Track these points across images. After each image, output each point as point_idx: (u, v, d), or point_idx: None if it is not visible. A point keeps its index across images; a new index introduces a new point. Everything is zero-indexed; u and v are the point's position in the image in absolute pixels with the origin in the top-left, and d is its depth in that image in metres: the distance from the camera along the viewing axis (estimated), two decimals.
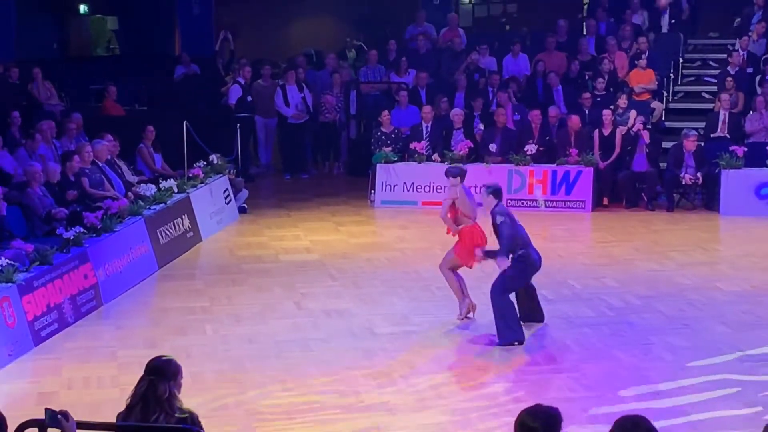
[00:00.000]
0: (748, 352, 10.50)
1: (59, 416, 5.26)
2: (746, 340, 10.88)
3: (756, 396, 9.33)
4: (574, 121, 18.01)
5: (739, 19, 21.42)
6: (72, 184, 14.21)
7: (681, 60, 21.16)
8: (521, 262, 10.93)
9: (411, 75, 20.75)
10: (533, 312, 11.42)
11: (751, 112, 18.58)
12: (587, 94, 19.20)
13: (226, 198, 16.91)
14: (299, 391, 9.61)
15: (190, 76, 21.43)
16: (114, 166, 15.60)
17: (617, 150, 17.87)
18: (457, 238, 11.47)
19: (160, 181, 15.41)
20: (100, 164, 15.14)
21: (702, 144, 17.81)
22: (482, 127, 18.86)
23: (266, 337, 11.14)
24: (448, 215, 11.48)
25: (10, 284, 10.62)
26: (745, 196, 17.04)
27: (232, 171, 17.54)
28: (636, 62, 19.86)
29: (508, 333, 10.79)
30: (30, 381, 10.05)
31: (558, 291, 12.79)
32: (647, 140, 17.63)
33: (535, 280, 13.10)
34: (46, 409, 5.32)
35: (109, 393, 9.42)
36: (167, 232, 14.54)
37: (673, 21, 21.44)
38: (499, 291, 10.85)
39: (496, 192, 11.07)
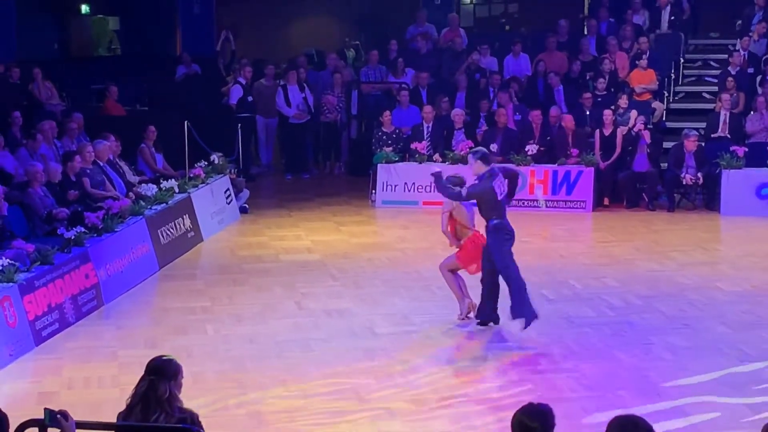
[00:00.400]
0: (748, 357, 10.52)
1: (58, 416, 5.27)
2: (746, 340, 10.89)
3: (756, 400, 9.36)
4: (568, 120, 17.98)
5: (740, 22, 21.41)
6: (73, 184, 14.22)
7: (682, 60, 21.16)
8: (498, 232, 10.87)
9: (409, 75, 20.74)
10: (494, 313, 11.29)
11: (751, 113, 18.58)
12: (588, 95, 19.21)
13: (227, 198, 16.92)
14: (300, 391, 9.62)
15: (191, 76, 21.43)
16: (115, 166, 15.61)
17: (618, 150, 17.87)
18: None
19: (161, 181, 15.42)
20: (102, 164, 15.15)
21: (703, 144, 17.82)
22: (487, 127, 18.83)
23: (267, 337, 11.15)
24: (449, 229, 11.40)
25: (11, 284, 10.64)
26: (746, 196, 17.04)
27: (233, 171, 17.54)
28: (637, 62, 19.86)
29: (526, 309, 10.85)
30: (31, 381, 10.06)
31: (559, 291, 12.80)
32: (648, 140, 17.63)
33: (537, 279, 13.15)
34: (45, 409, 5.33)
35: (109, 393, 9.43)
36: (168, 232, 14.55)
37: (672, 17, 21.40)
38: (503, 266, 10.83)
39: (484, 157, 10.95)
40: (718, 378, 9.82)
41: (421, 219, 16.72)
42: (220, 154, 17.36)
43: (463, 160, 17.55)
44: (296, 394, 9.53)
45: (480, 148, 11.62)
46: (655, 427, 4.95)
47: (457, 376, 10.09)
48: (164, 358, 6.10)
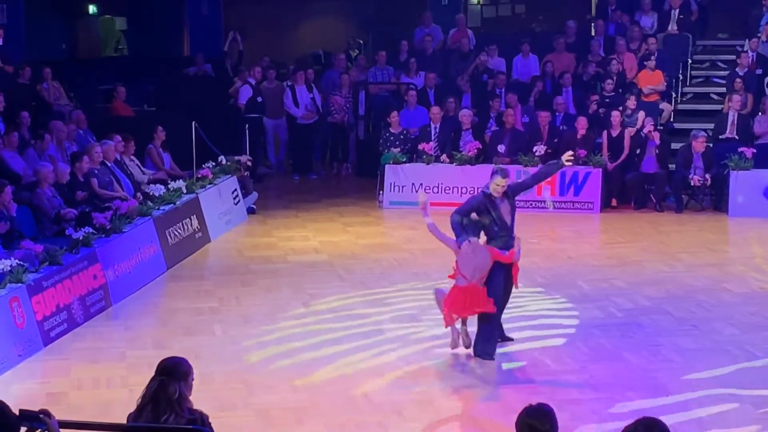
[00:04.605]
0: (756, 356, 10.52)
1: (41, 416, 5.21)
2: (755, 341, 10.87)
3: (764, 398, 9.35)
4: (581, 123, 17.96)
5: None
6: (81, 185, 14.24)
7: (690, 61, 21.14)
8: None
9: (421, 76, 20.72)
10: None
11: (759, 114, 18.56)
12: (595, 96, 19.21)
13: (234, 198, 16.93)
14: (307, 391, 9.63)
15: (200, 76, 21.45)
16: (123, 166, 15.64)
17: (626, 151, 17.85)
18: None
19: (169, 181, 15.44)
20: (109, 165, 15.17)
21: (711, 145, 17.79)
22: (497, 128, 18.81)
23: (275, 338, 11.15)
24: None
25: (19, 284, 10.64)
26: (754, 198, 17.03)
27: (242, 170, 17.50)
28: (645, 63, 19.84)
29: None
30: (39, 381, 10.07)
31: (566, 292, 12.78)
32: (658, 142, 17.61)
33: (544, 280, 13.14)
34: (21, 411, 5.21)
35: (118, 393, 9.45)
36: (176, 232, 14.56)
37: (681, 16, 21.37)
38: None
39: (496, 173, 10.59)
40: (727, 380, 9.81)
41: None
42: (235, 156, 17.38)
43: (470, 161, 17.63)
44: (304, 395, 9.54)
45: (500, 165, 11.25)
46: None
47: (465, 377, 10.09)
48: (175, 358, 6.10)
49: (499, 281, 10.45)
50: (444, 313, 10.41)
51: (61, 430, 5.53)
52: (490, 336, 10.46)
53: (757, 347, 10.68)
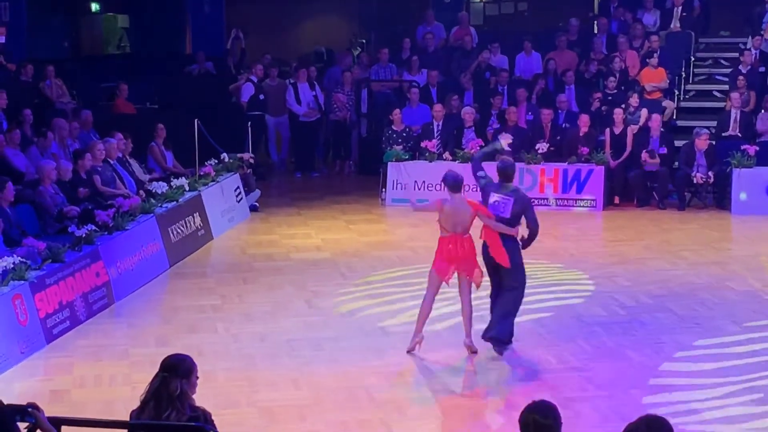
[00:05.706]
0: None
1: (29, 409, 5.21)
2: (758, 339, 10.86)
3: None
4: (584, 120, 17.96)
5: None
6: (84, 182, 14.24)
7: (692, 59, 21.11)
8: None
9: (423, 74, 20.72)
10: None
11: (762, 111, 18.54)
12: (598, 94, 19.21)
13: (237, 196, 16.93)
14: (310, 389, 9.63)
15: (203, 74, 21.46)
16: (125, 164, 15.64)
17: (628, 149, 17.84)
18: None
19: (172, 179, 15.44)
20: (112, 162, 15.17)
21: (713, 143, 17.79)
22: (499, 125, 18.80)
23: (277, 336, 11.15)
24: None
25: (22, 282, 10.65)
26: (757, 195, 17.01)
27: (245, 167, 17.50)
28: (647, 61, 19.84)
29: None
30: (42, 379, 10.08)
31: (569, 290, 12.78)
32: (657, 166, 17.52)
33: (546, 277, 13.12)
34: (9, 405, 5.20)
35: (121, 391, 9.46)
36: (179, 230, 14.57)
37: (684, 14, 21.35)
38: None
39: (498, 170, 10.92)
40: (729, 378, 9.80)
41: (431, 217, 16.56)
42: (238, 154, 17.37)
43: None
44: (307, 393, 9.54)
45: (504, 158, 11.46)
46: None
47: (467, 375, 10.10)
48: (179, 355, 6.11)
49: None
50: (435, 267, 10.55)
51: (63, 428, 5.55)
52: (504, 318, 10.41)
53: (760, 345, 10.66)
